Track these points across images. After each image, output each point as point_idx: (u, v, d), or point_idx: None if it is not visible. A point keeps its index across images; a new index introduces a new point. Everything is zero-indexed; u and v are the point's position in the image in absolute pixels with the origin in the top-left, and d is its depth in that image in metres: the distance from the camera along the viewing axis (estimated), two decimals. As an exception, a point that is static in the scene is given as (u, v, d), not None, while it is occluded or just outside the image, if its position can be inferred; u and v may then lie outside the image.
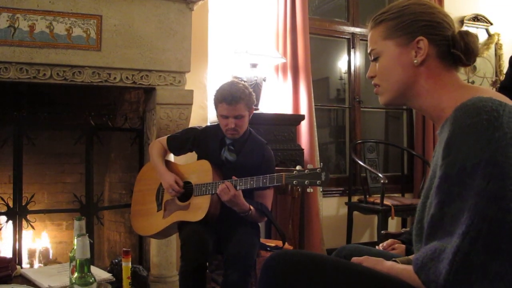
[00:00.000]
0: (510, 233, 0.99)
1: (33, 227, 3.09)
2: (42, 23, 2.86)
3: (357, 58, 4.71)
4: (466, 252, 0.99)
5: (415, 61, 1.27)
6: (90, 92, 3.53)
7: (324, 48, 4.93)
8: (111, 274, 2.35)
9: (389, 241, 1.93)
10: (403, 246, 1.85)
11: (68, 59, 2.92)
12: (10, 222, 2.98)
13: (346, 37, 4.72)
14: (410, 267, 1.16)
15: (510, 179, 0.99)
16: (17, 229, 2.98)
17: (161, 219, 2.63)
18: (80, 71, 2.97)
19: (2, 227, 3.02)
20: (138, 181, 2.89)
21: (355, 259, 1.42)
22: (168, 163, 2.74)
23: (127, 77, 3.09)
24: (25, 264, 3.16)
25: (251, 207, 2.47)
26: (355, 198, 4.35)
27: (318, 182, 2.19)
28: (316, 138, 4.14)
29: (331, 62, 4.99)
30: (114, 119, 3.66)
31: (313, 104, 4.09)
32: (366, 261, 1.38)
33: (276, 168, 2.71)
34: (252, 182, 2.36)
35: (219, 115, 2.58)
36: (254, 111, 3.01)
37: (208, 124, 3.62)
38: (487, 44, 5.17)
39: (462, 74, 5.00)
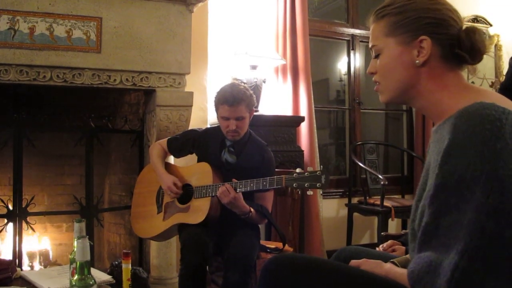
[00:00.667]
0: (509, 249, 0.96)
1: (33, 229, 3.09)
2: (42, 25, 2.86)
3: (357, 60, 4.71)
4: (465, 269, 0.96)
5: (417, 62, 1.21)
6: (90, 94, 3.53)
7: (323, 50, 4.93)
8: (111, 276, 2.35)
9: (389, 242, 1.93)
10: (403, 247, 1.85)
11: (68, 61, 2.93)
12: (10, 224, 2.98)
13: (346, 38, 4.72)
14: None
15: (510, 193, 0.97)
16: (17, 231, 2.97)
17: (161, 221, 2.63)
18: (80, 73, 2.97)
19: (2, 229, 3.02)
20: (138, 183, 2.89)
21: (353, 262, 1.42)
22: (168, 165, 2.74)
23: (127, 79, 3.09)
24: (25, 266, 3.16)
25: (251, 209, 2.46)
26: (355, 200, 4.35)
27: (318, 184, 2.19)
28: (316, 140, 4.14)
29: (330, 64, 5.00)
30: (114, 121, 3.66)
31: (313, 105, 4.09)
32: (365, 264, 1.38)
33: (276, 169, 2.71)
34: (252, 185, 2.36)
35: (220, 117, 2.58)
36: (254, 113, 3.01)
37: (208, 126, 3.63)
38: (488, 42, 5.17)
39: (462, 74, 4.98)
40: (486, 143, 0.99)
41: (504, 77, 2.79)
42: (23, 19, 2.82)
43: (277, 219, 3.60)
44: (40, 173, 3.71)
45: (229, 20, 3.94)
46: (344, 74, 4.84)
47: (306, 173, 2.23)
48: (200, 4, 3.27)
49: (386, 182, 3.75)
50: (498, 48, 5.24)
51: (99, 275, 2.32)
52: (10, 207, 2.98)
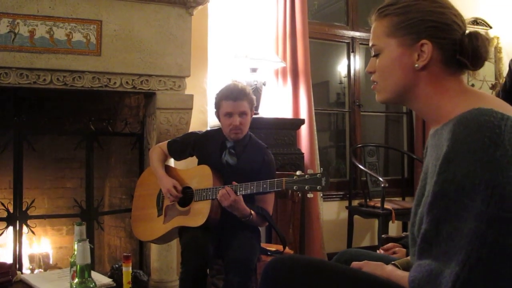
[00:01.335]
0: (510, 258, 0.96)
1: (33, 233, 3.09)
2: (42, 29, 2.86)
3: (357, 62, 4.71)
4: (466, 280, 0.96)
5: (416, 65, 1.19)
6: (90, 97, 3.53)
7: (323, 52, 4.94)
8: (111, 279, 2.35)
9: (390, 245, 1.93)
10: (404, 250, 1.85)
11: (68, 64, 2.93)
12: (11, 227, 2.98)
13: (346, 41, 4.72)
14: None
15: (510, 200, 0.96)
16: (18, 234, 2.97)
17: (161, 224, 2.63)
18: (80, 76, 2.97)
19: (2, 233, 3.02)
20: (138, 186, 2.89)
21: (354, 264, 1.42)
22: (168, 168, 2.74)
23: (127, 82, 3.09)
24: (25, 269, 3.16)
25: (252, 212, 2.46)
26: (355, 202, 4.34)
27: (318, 187, 2.19)
28: (316, 142, 4.14)
29: (330, 66, 5.00)
30: (114, 124, 3.66)
31: (313, 108, 4.09)
32: (366, 266, 1.38)
33: (277, 172, 2.71)
34: (252, 187, 2.36)
35: (223, 115, 2.58)
36: (254, 115, 3.02)
37: (208, 128, 3.63)
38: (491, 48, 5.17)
39: (463, 77, 4.97)
40: (485, 151, 0.98)
41: (504, 79, 2.79)
42: (23, 22, 2.82)
43: (277, 221, 3.60)
44: (40, 176, 3.70)
45: (229, 23, 3.94)
46: (344, 77, 4.84)
47: (306, 176, 2.23)
48: (200, 7, 3.28)
49: (387, 185, 3.75)
50: (498, 50, 5.24)
51: (100, 278, 2.32)
52: (11, 210, 2.98)
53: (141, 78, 3.13)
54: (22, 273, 2.73)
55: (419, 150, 4.73)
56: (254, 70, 3.67)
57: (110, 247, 3.86)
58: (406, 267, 1.37)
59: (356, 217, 4.27)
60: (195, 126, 3.44)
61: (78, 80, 2.97)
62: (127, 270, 1.98)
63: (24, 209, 3.01)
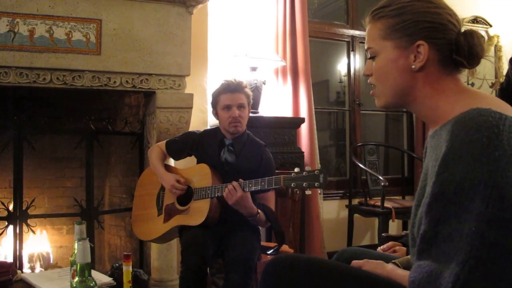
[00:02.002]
0: (510, 258, 0.96)
1: (33, 232, 3.09)
2: (42, 28, 2.86)
3: (357, 61, 4.71)
4: (466, 280, 0.95)
5: (413, 67, 1.19)
6: (90, 96, 3.53)
7: (323, 51, 4.93)
8: (112, 278, 2.35)
9: (390, 243, 1.93)
10: (404, 248, 1.85)
11: (68, 64, 2.93)
12: (11, 226, 2.98)
13: (346, 40, 4.72)
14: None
15: (509, 200, 0.96)
16: (18, 233, 2.97)
17: (161, 223, 2.63)
18: (80, 75, 2.97)
19: (2, 232, 3.02)
20: (138, 186, 2.89)
21: (355, 263, 1.42)
22: (167, 167, 2.74)
23: (127, 81, 3.09)
24: (25, 268, 3.16)
25: (259, 211, 2.46)
26: (355, 201, 4.34)
27: (316, 184, 2.18)
28: (316, 141, 4.14)
29: (330, 65, 5.00)
30: (114, 123, 3.66)
31: (313, 107, 4.09)
32: (366, 264, 1.38)
33: (276, 171, 2.71)
34: (250, 185, 2.35)
35: (221, 108, 2.59)
36: (254, 114, 3.02)
37: (208, 127, 3.63)
38: (486, 46, 5.16)
39: (462, 76, 4.97)
40: (484, 151, 0.98)
41: (504, 77, 2.79)
42: (23, 22, 2.82)
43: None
44: (41, 175, 3.71)
45: (229, 21, 3.94)
46: (344, 76, 4.84)
47: (304, 173, 2.22)
48: (199, 6, 3.27)
49: (387, 183, 3.75)
50: (498, 48, 5.24)
51: (100, 277, 2.32)
52: (11, 210, 2.99)
53: (141, 77, 3.12)
54: (22, 272, 2.73)
55: (419, 148, 4.73)
56: (254, 69, 3.67)
57: (110, 246, 3.86)
58: (406, 266, 1.37)
59: (356, 215, 4.27)
60: (195, 125, 3.44)
61: (78, 79, 2.97)
62: (127, 269, 1.98)
63: (24, 208, 3.01)
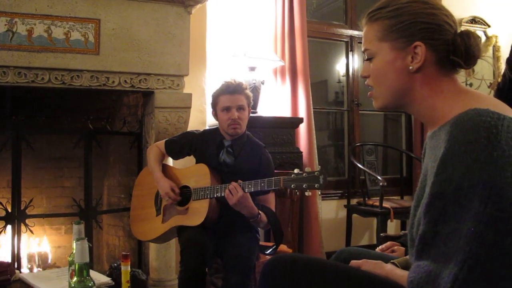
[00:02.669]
0: (509, 258, 0.96)
1: (32, 232, 3.09)
2: (40, 27, 2.86)
3: (355, 61, 4.71)
4: (465, 280, 0.95)
5: (410, 68, 1.19)
6: (88, 96, 3.53)
7: (322, 51, 4.94)
8: (110, 278, 2.35)
9: (388, 243, 1.93)
10: (403, 248, 1.85)
11: (66, 63, 2.92)
12: (9, 226, 2.98)
13: (344, 40, 4.72)
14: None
15: (508, 200, 0.96)
16: (16, 233, 2.97)
17: (160, 223, 2.63)
18: (79, 75, 2.97)
19: (1, 232, 3.02)
20: (136, 186, 2.88)
21: (353, 263, 1.42)
22: (166, 167, 2.74)
23: (125, 81, 3.09)
24: (24, 268, 3.16)
25: (260, 212, 2.45)
26: (354, 201, 4.35)
27: (316, 185, 2.18)
28: (315, 141, 4.14)
29: (329, 65, 5.00)
30: (113, 123, 3.66)
31: (311, 107, 4.09)
32: (365, 264, 1.38)
33: (275, 171, 2.71)
34: (250, 186, 2.35)
35: (220, 110, 2.58)
36: (253, 114, 3.01)
37: (207, 127, 3.62)
38: (485, 46, 5.15)
39: (460, 76, 4.98)
40: (482, 151, 0.98)
41: (501, 77, 2.79)
42: (21, 21, 2.82)
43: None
44: (39, 175, 3.70)
45: (228, 21, 3.94)
46: (343, 76, 4.84)
47: (304, 174, 2.22)
48: (198, 6, 3.27)
49: (385, 183, 3.75)
50: (496, 49, 5.24)
51: (98, 277, 2.32)
52: (9, 210, 2.98)
53: (140, 77, 3.12)
54: (20, 272, 2.73)
55: (417, 149, 4.73)
56: (252, 69, 3.67)
57: (109, 246, 3.86)
58: (405, 266, 1.37)
59: (354, 215, 4.27)
60: (193, 125, 3.44)
61: (77, 79, 2.97)
62: (125, 269, 1.98)
63: (22, 208, 3.01)
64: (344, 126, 4.81)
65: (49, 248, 3.62)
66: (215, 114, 2.66)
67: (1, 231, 3.01)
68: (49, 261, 3.55)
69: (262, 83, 3.72)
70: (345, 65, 4.76)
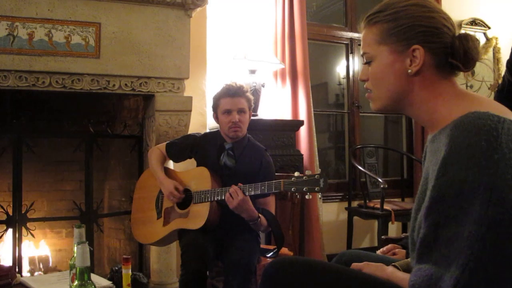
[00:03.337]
0: (510, 260, 0.95)
1: (32, 235, 3.09)
2: (41, 31, 2.86)
3: (356, 63, 4.71)
4: (467, 283, 0.95)
5: (409, 71, 1.19)
6: (89, 100, 3.53)
7: (322, 54, 4.94)
8: (111, 282, 2.35)
9: (390, 246, 1.93)
10: (404, 251, 1.85)
11: (67, 67, 2.93)
12: (10, 230, 2.98)
13: (345, 42, 4.73)
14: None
15: (509, 203, 0.95)
16: (17, 237, 2.97)
17: (161, 227, 2.63)
18: (79, 79, 2.97)
19: (2, 235, 3.02)
20: (137, 189, 2.88)
21: (355, 265, 1.42)
22: (167, 170, 2.74)
23: (126, 84, 3.09)
24: (25, 272, 3.16)
25: (260, 215, 2.45)
26: (355, 203, 4.34)
27: (316, 188, 2.18)
28: (316, 144, 4.14)
29: (329, 68, 5.00)
30: (113, 126, 3.66)
31: (312, 109, 4.09)
32: (366, 267, 1.38)
33: (276, 174, 2.71)
34: (250, 189, 2.35)
35: (221, 113, 2.58)
36: (253, 117, 3.01)
37: (207, 130, 3.63)
38: (485, 48, 5.10)
39: (460, 78, 4.99)
40: (483, 154, 0.98)
41: (502, 79, 2.79)
42: (22, 25, 2.82)
43: (277, 223, 3.60)
44: (40, 179, 3.70)
45: (228, 24, 3.94)
46: (343, 78, 4.85)
47: (304, 177, 2.22)
48: (198, 9, 3.28)
49: (386, 186, 3.75)
50: (496, 50, 5.24)
51: (99, 281, 2.32)
52: (10, 213, 2.98)
53: (140, 80, 3.13)
54: (21, 275, 2.73)
55: (418, 151, 4.73)
56: (253, 71, 3.68)
57: (110, 249, 3.86)
58: (406, 269, 1.37)
59: (355, 218, 4.27)
60: (194, 128, 3.44)
61: (77, 83, 2.97)
62: (126, 272, 1.98)
63: (23, 211, 3.01)
64: (345, 128, 4.81)
65: (50, 251, 3.61)
66: (216, 117, 2.66)
67: (2, 234, 3.01)
68: (50, 264, 3.55)
69: (263, 85, 3.72)
70: (345, 67, 4.77)
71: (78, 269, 1.50)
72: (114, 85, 3.06)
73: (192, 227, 2.47)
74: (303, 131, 4.00)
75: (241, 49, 3.69)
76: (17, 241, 2.97)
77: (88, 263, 1.51)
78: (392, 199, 4.35)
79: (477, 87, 5.07)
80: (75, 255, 1.62)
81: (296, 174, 2.25)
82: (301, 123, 3.90)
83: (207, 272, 2.39)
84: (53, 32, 2.89)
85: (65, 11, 2.92)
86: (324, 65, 5.00)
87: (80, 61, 2.96)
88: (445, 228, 1.00)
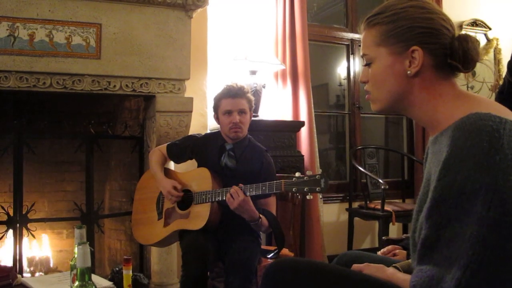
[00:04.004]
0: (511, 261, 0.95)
1: (33, 236, 3.09)
2: (41, 32, 2.87)
3: (356, 64, 4.71)
4: (468, 284, 0.95)
5: (408, 72, 1.19)
6: (90, 100, 3.53)
7: (323, 54, 4.94)
8: (112, 282, 2.34)
9: (390, 247, 1.93)
10: (404, 252, 1.85)
11: (67, 68, 2.93)
12: (11, 230, 2.98)
13: (345, 43, 4.73)
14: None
15: (511, 204, 0.95)
16: (18, 237, 2.97)
17: (161, 227, 2.63)
18: (80, 80, 2.98)
19: (2, 236, 3.02)
20: (138, 190, 2.88)
21: (355, 266, 1.42)
22: (167, 171, 2.74)
23: (126, 85, 3.09)
24: (25, 273, 3.16)
25: (261, 216, 2.45)
26: (355, 204, 4.34)
27: (317, 189, 2.18)
28: (316, 144, 4.14)
29: (330, 68, 5.00)
30: (114, 127, 3.66)
31: (312, 110, 4.09)
32: (367, 268, 1.38)
33: (276, 175, 2.70)
34: (251, 190, 2.35)
35: (222, 113, 2.58)
36: (254, 118, 3.01)
37: (208, 131, 3.63)
38: (486, 49, 5.12)
39: (461, 79, 5.00)
40: (484, 155, 0.98)
41: (503, 80, 2.79)
42: (23, 26, 2.83)
43: (277, 224, 3.59)
44: (40, 179, 3.71)
45: (229, 25, 3.95)
46: (344, 79, 4.85)
47: (305, 177, 2.22)
48: (199, 10, 3.28)
49: (387, 187, 3.74)
50: (497, 51, 5.24)
51: (100, 282, 2.32)
52: (11, 214, 2.98)
53: (141, 81, 3.13)
54: (22, 276, 2.72)
55: (419, 152, 4.73)
56: (253, 72, 3.68)
57: (111, 250, 3.86)
58: (407, 270, 1.37)
59: (356, 219, 4.27)
60: (194, 129, 3.44)
61: (78, 84, 2.97)
62: (127, 273, 1.98)
63: (24, 212, 3.01)
64: (345, 129, 4.81)
65: (50, 252, 3.61)
66: (217, 118, 2.66)
67: (3, 235, 3.01)
68: (51, 265, 3.55)
69: (263, 86, 3.72)
70: (346, 68, 4.77)
71: (79, 270, 1.50)
72: (114, 86, 3.07)
73: (193, 228, 2.47)
74: (303, 132, 4.00)
75: (241, 50, 3.69)
76: (17, 242, 2.97)
77: (89, 264, 1.51)
78: (392, 200, 4.35)
79: (478, 88, 5.07)
80: (75, 255, 1.62)
81: (297, 174, 2.25)
82: (301, 124, 3.90)
83: (208, 273, 2.39)
84: (54, 33, 2.90)
85: (66, 12, 2.93)
86: (325, 66, 4.99)
87: (81, 62, 2.96)
88: (446, 229, 1.00)
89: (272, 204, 2.58)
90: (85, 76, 2.98)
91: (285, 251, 2.74)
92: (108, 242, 3.89)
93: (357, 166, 4.18)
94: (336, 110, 5.03)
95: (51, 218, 3.59)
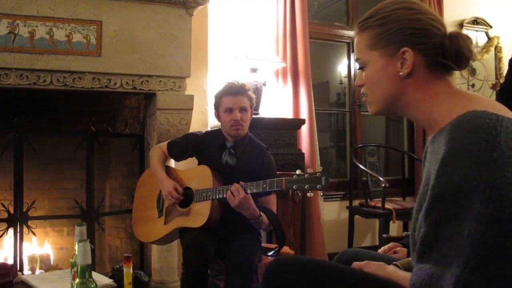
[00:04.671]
0: (511, 258, 0.95)
1: (34, 234, 3.09)
2: (42, 29, 2.86)
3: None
4: (467, 282, 0.95)
5: (401, 73, 1.20)
6: (90, 98, 3.53)
7: (324, 52, 4.94)
8: (112, 280, 2.35)
9: (391, 244, 1.93)
10: (405, 249, 1.85)
11: (68, 65, 2.93)
12: (11, 228, 2.98)
13: (346, 41, 4.73)
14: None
15: (508, 201, 0.96)
16: (18, 235, 2.97)
17: (162, 225, 2.63)
18: (80, 77, 2.97)
19: (3, 234, 3.02)
20: (138, 187, 2.88)
21: (356, 264, 1.42)
22: (168, 169, 2.74)
23: (127, 83, 3.09)
24: (26, 270, 3.16)
25: (261, 214, 2.45)
26: (356, 202, 4.34)
27: (318, 186, 2.18)
28: (317, 142, 4.14)
29: (331, 66, 5.00)
30: (115, 125, 3.66)
31: (313, 108, 4.09)
32: (367, 266, 1.38)
33: (277, 172, 2.71)
34: (252, 187, 2.35)
35: (223, 111, 2.58)
36: (255, 115, 3.01)
37: (209, 129, 3.63)
38: (486, 47, 5.17)
39: (462, 78, 5.02)
40: (482, 153, 0.98)
41: (504, 78, 2.79)
42: (23, 23, 2.82)
43: (278, 222, 3.59)
44: (41, 177, 3.71)
45: (229, 23, 3.94)
46: (344, 77, 4.84)
47: (306, 175, 2.22)
48: (200, 8, 3.28)
49: (387, 185, 3.74)
50: (498, 49, 5.24)
51: (101, 279, 2.32)
52: (11, 212, 2.98)
53: (141, 79, 3.12)
54: (22, 274, 2.73)
55: (419, 150, 4.72)
56: (254, 70, 3.67)
57: (111, 247, 3.86)
58: (407, 268, 1.37)
59: (356, 217, 4.27)
60: (195, 126, 3.44)
61: (78, 81, 2.97)
62: (128, 271, 1.98)
63: (24, 210, 3.01)
64: (346, 127, 4.81)
65: (51, 250, 3.62)
66: (218, 115, 2.66)
67: (3, 233, 3.01)
68: (51, 263, 3.56)
69: (264, 84, 3.72)
70: (347, 66, 4.77)
71: (79, 267, 1.50)
72: (115, 84, 3.06)
73: (194, 226, 2.47)
74: (304, 130, 4.00)
75: (242, 48, 3.68)
76: (18, 240, 2.97)
77: (89, 261, 1.51)
78: (393, 198, 4.35)
79: (479, 87, 5.07)
80: (76, 253, 1.62)
81: (298, 172, 2.25)
82: (302, 121, 3.90)
83: (209, 271, 2.39)
84: (54, 31, 2.89)
85: (66, 9, 2.92)
86: (326, 64, 4.99)
87: (81, 60, 2.96)
88: (445, 227, 1.01)
89: (272, 202, 2.58)
90: (85, 74, 2.98)
91: (285, 249, 2.74)
92: (108, 240, 3.89)
93: (357, 164, 4.18)
94: (336, 108, 5.04)
95: (51, 216, 3.59)
